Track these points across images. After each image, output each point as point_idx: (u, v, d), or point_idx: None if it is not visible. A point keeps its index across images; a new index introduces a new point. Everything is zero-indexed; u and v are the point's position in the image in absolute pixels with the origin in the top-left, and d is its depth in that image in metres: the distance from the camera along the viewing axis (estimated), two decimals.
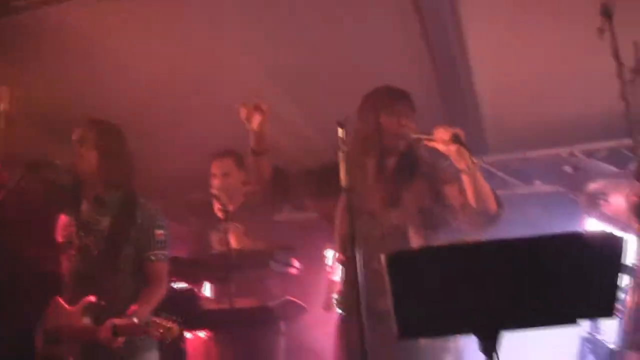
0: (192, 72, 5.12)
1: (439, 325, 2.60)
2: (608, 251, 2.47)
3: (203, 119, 5.60)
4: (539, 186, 5.94)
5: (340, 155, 3.08)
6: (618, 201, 4.04)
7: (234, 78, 5.03)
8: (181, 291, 4.41)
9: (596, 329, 4.26)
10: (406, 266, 2.41)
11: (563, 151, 5.56)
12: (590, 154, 5.40)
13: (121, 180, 3.97)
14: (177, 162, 6.03)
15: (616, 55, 3.65)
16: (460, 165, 3.39)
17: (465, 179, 3.42)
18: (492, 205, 3.45)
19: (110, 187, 3.95)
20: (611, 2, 3.66)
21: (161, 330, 3.56)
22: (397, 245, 3.50)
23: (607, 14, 3.67)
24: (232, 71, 5.07)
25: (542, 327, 3.64)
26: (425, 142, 3.45)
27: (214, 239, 5.10)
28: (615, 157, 4.98)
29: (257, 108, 3.56)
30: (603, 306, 2.60)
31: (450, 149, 3.36)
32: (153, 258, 3.92)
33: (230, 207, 4.67)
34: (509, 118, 5.66)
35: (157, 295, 3.88)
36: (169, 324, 3.61)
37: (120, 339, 3.61)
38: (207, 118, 5.59)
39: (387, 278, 2.38)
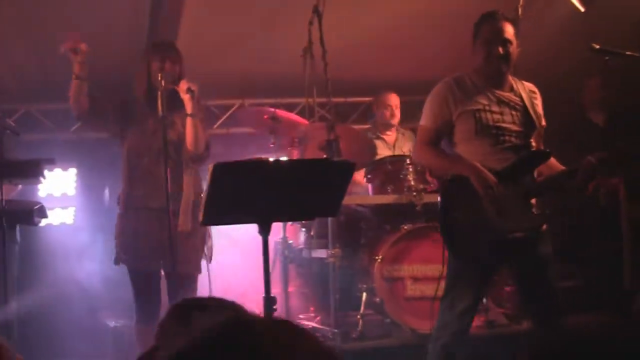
0: None
1: (234, 216, 3.80)
2: (341, 172, 3.79)
3: None
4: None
5: (159, 94, 4.27)
6: (312, 144, 5.47)
7: None
8: None
9: (285, 235, 5.64)
10: (222, 173, 3.52)
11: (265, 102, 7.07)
12: (289, 107, 6.90)
13: None
14: None
15: (321, 41, 5.16)
16: (188, 110, 4.58)
17: (189, 122, 4.59)
18: (201, 149, 4.66)
19: None
20: (321, 5, 5.13)
21: None
22: (173, 155, 4.59)
23: (317, 12, 5.16)
24: None
25: (296, 221, 5.04)
26: (175, 87, 4.59)
27: None
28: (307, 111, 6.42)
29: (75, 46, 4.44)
30: (332, 209, 3.98)
31: (185, 97, 4.56)
32: None
33: None
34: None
35: None
36: None
37: None
38: None
39: (208, 180, 3.50)
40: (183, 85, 4.54)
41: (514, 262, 4.12)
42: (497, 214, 3.87)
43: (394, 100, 6.71)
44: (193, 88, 4.54)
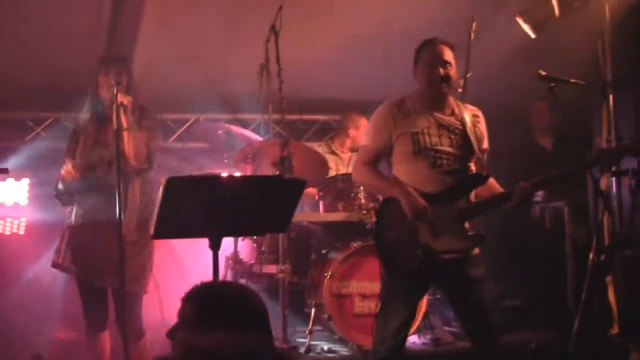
0: None
1: (186, 230, 3.84)
2: (292, 189, 3.86)
3: None
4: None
5: (115, 107, 4.34)
6: (266, 160, 5.54)
7: None
8: None
9: (236, 250, 5.66)
10: (175, 187, 3.54)
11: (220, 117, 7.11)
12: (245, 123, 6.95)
13: None
14: None
15: (277, 59, 5.26)
16: (124, 124, 4.57)
17: (125, 135, 4.58)
18: (141, 161, 4.69)
19: None
20: (278, 24, 5.23)
21: None
22: (124, 168, 4.54)
23: (274, 31, 5.26)
24: None
25: (247, 236, 5.08)
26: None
27: None
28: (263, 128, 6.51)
29: None
30: (282, 225, 4.03)
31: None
32: None
33: None
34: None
35: None
36: None
37: None
38: None
39: (161, 194, 3.54)
40: (124, 98, 4.55)
41: (445, 283, 4.20)
42: (428, 236, 3.96)
43: (365, 124, 6.78)
44: (125, 103, 4.55)
